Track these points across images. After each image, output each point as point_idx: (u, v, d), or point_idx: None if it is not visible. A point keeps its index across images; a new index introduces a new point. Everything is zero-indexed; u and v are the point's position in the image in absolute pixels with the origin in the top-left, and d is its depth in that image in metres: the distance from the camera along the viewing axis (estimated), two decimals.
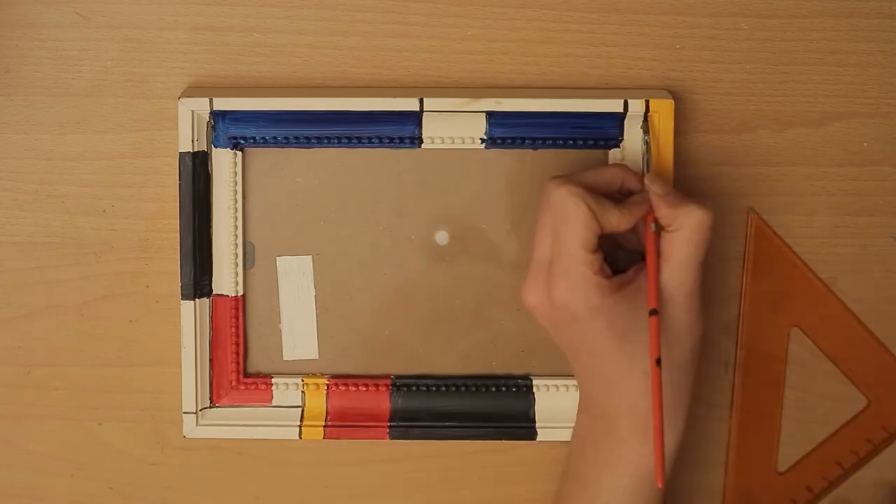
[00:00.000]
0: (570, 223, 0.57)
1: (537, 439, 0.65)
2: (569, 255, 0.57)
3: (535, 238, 0.59)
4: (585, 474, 0.60)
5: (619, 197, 0.60)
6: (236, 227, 0.64)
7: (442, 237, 0.64)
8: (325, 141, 0.63)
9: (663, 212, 0.58)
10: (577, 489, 0.61)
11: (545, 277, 0.58)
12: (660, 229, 0.59)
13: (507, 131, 0.63)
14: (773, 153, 0.65)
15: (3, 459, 0.67)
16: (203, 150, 0.63)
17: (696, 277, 0.58)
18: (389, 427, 0.65)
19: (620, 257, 0.61)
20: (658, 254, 0.58)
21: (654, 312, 0.57)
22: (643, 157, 0.62)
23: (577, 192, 0.57)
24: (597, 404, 0.60)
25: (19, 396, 0.66)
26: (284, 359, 0.65)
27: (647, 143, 0.62)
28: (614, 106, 0.62)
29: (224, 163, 0.63)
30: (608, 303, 0.57)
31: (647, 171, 0.62)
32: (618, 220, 0.58)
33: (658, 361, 0.56)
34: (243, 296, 0.65)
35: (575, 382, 0.64)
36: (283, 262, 0.65)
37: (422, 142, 0.63)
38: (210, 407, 0.65)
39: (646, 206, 0.59)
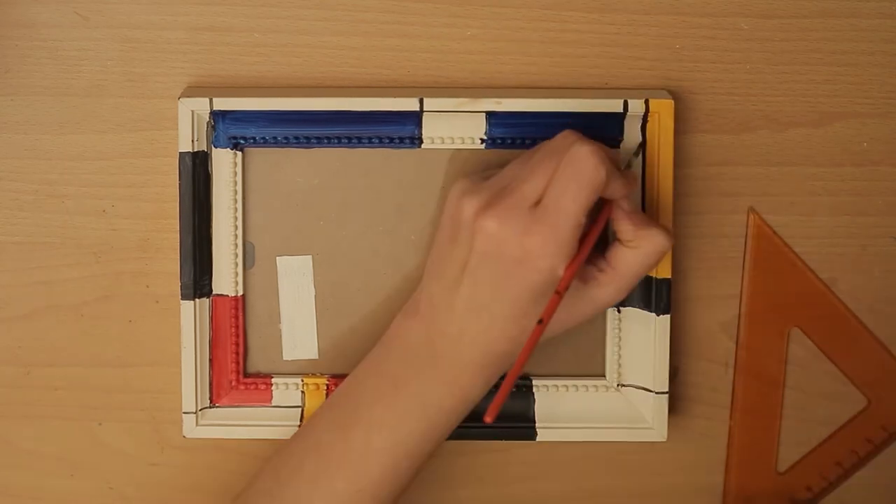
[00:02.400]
0: (583, 183, 0.56)
1: (537, 439, 0.64)
2: (567, 212, 0.56)
3: (529, 171, 0.57)
4: (404, 377, 0.59)
5: None
6: (236, 227, 0.64)
7: None
8: (325, 141, 0.63)
9: (625, 227, 0.58)
10: (386, 387, 0.59)
11: (525, 216, 0.56)
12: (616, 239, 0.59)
13: (507, 131, 0.63)
14: (773, 153, 0.65)
15: (3, 459, 0.67)
16: (203, 150, 0.63)
17: (628, 293, 0.60)
18: None
19: None
20: (600, 232, 0.59)
21: (558, 293, 0.56)
22: (636, 152, 0.62)
23: (603, 157, 0.56)
24: (450, 321, 0.58)
25: (19, 396, 0.66)
26: (284, 359, 0.65)
27: (639, 147, 0.62)
28: (614, 106, 0.62)
29: (224, 163, 0.63)
30: (558, 271, 0.56)
31: (628, 167, 0.62)
32: (621, 188, 0.58)
33: (540, 321, 0.56)
34: (243, 296, 0.65)
35: (575, 383, 0.64)
36: (283, 262, 0.65)
37: (422, 142, 0.63)
38: (210, 407, 0.65)
39: (636, 182, 0.61)
